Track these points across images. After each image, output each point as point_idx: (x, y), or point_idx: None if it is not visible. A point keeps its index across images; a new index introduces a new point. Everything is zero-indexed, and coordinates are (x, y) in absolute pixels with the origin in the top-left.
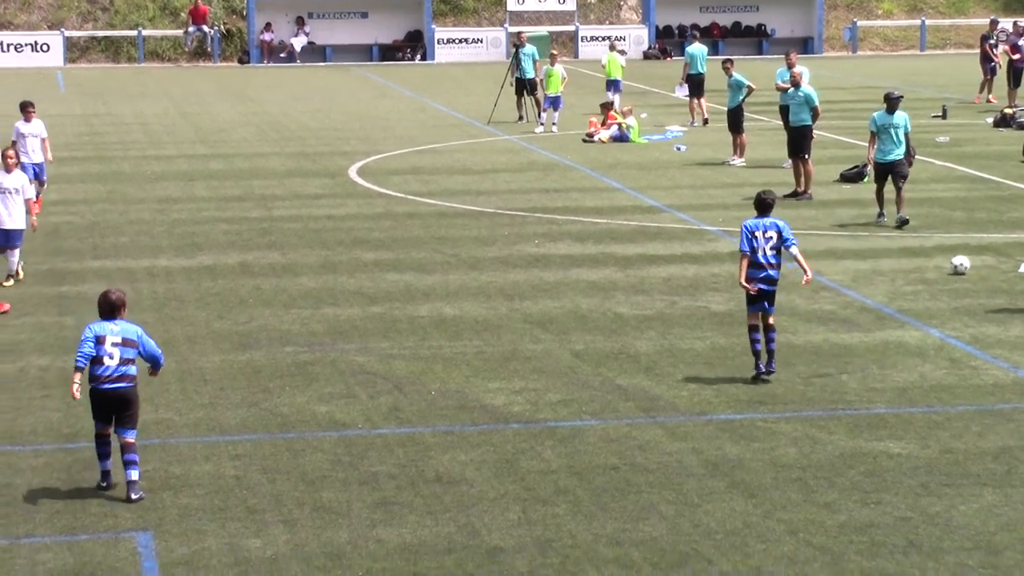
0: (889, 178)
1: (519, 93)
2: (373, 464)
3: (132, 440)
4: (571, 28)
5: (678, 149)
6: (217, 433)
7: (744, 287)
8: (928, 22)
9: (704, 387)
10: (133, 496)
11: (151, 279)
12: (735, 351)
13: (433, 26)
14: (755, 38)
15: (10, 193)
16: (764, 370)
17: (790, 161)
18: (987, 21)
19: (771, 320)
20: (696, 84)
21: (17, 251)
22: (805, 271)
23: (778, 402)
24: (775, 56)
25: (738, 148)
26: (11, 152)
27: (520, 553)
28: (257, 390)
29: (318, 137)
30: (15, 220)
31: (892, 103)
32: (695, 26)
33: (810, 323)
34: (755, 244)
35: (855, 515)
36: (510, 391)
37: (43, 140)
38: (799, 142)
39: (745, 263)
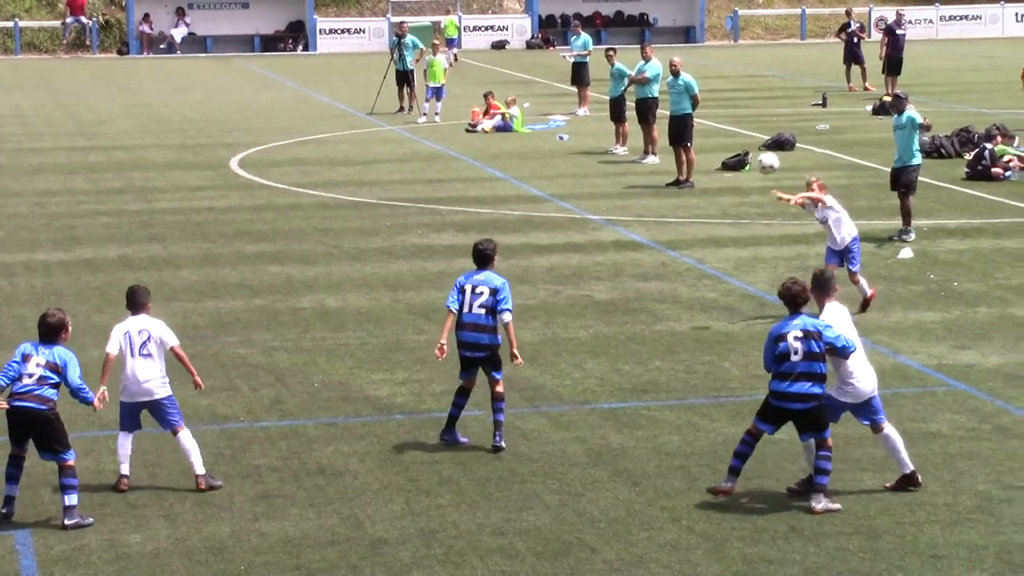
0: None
1: (400, 84)
2: (255, 457)
3: (68, 462)
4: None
5: (561, 138)
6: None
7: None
8: (808, 11)
9: (588, 376)
10: (67, 522)
11: (29, 273)
12: (619, 339)
13: (315, 16)
14: (637, 27)
15: None
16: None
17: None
18: (866, 10)
19: (499, 388)
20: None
21: None
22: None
23: (661, 390)
24: (658, 45)
25: (620, 137)
26: None
27: (404, 544)
28: None
29: (199, 129)
30: None
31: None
32: (578, 15)
33: (692, 311)
34: (461, 300)
35: (737, 502)
36: (394, 382)
37: None
38: (680, 130)
39: (450, 321)
